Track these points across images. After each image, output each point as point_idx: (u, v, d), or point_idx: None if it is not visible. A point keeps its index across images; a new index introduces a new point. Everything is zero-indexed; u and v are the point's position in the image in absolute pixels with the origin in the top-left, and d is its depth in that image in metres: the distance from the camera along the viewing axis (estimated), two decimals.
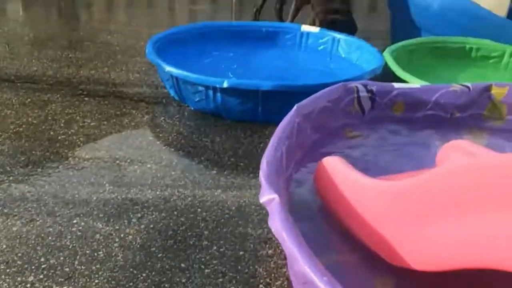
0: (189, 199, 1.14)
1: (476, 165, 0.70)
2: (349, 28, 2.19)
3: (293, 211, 0.80)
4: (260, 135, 1.45)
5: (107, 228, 1.02)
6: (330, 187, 0.94)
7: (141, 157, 1.30)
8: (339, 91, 1.26)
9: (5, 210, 1.06)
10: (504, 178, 0.63)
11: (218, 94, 1.49)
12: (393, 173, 1.04)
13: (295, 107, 1.12)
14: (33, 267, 0.90)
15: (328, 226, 0.95)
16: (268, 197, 0.77)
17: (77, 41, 2.22)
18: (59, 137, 1.37)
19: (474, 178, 0.67)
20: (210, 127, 1.49)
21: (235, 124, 1.51)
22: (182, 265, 0.93)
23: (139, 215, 1.07)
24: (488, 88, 1.35)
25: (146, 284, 0.87)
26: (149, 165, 1.27)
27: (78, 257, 0.93)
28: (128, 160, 1.28)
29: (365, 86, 1.30)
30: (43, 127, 1.43)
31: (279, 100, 1.45)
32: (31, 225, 1.02)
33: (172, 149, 1.36)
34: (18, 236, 0.98)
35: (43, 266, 0.91)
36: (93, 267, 0.91)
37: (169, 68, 1.51)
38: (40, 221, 1.03)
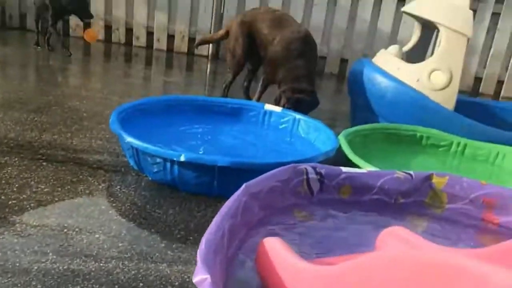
0: (133, 272, 1.13)
1: (397, 258, 0.75)
2: (312, 106, 2.32)
3: None
4: (214, 209, 1.47)
5: None
6: (269, 269, 0.96)
7: (91, 226, 1.30)
8: (288, 172, 1.32)
9: None
10: (416, 275, 0.67)
11: (176, 167, 1.53)
12: (337, 254, 1.08)
13: (243, 186, 1.16)
14: None
15: None
16: (201, 277, 0.78)
17: (45, 105, 2.26)
18: (10, 202, 1.37)
19: (390, 271, 0.71)
20: (165, 199, 1.51)
21: (190, 196, 1.54)
22: None
23: (79, 287, 1.05)
24: (429, 177, 1.44)
25: None
26: (97, 235, 1.26)
27: None
28: (77, 229, 1.28)
29: (314, 168, 1.37)
30: None
31: (234, 176, 1.49)
32: None
33: (124, 220, 1.37)
34: None
35: None
36: None
37: (129, 139, 1.56)
38: None
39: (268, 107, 2.22)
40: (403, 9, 2.47)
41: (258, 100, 2.53)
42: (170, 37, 4.11)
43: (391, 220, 1.34)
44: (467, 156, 2.11)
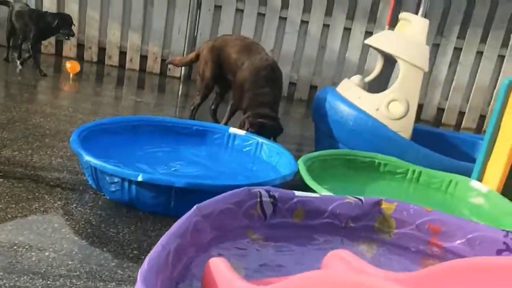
0: None
1: (324, 278, 0.79)
2: (275, 131, 2.38)
3: None
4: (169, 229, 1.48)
5: None
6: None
7: (41, 244, 1.30)
8: (242, 195, 1.35)
9: None
10: None
11: (133, 187, 1.54)
12: (284, 275, 1.11)
13: (194, 207, 1.19)
14: None
15: None
16: None
17: (8, 120, 2.25)
18: None
19: None
20: (121, 218, 1.52)
21: (147, 216, 1.55)
22: None
23: None
24: (378, 203, 1.49)
25: None
26: (47, 253, 1.26)
27: None
28: (27, 246, 1.27)
29: (268, 191, 1.40)
30: None
31: (191, 197, 1.51)
32: None
33: (76, 238, 1.37)
34: None
35: None
36: None
37: (87, 158, 1.57)
38: None
39: (233, 130, 2.26)
40: (366, 41, 2.58)
41: (226, 124, 2.57)
42: (143, 58, 4.15)
43: (340, 244, 1.38)
44: (422, 184, 2.19)
